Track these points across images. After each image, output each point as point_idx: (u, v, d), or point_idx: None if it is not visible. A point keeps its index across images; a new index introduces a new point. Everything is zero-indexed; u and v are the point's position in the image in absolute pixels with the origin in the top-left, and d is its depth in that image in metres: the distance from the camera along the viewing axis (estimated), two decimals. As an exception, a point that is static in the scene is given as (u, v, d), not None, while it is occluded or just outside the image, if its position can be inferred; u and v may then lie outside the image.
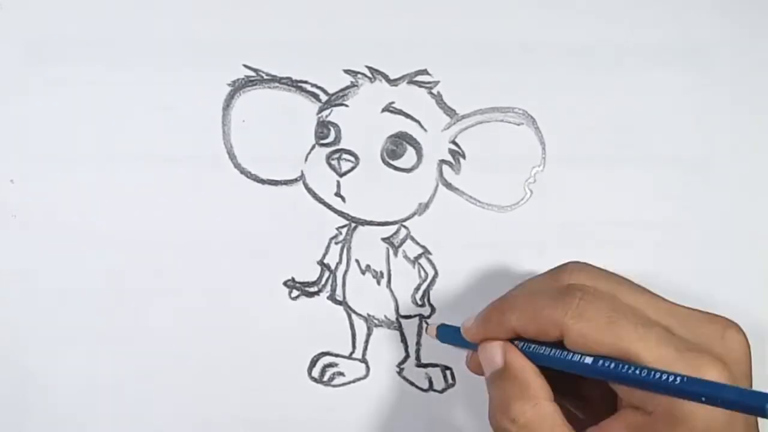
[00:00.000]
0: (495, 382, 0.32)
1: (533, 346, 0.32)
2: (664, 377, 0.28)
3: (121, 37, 0.39)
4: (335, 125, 0.39)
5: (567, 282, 0.32)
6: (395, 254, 0.39)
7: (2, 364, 0.39)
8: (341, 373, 0.39)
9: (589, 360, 0.30)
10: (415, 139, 0.39)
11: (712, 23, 0.39)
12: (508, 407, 0.31)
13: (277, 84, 0.39)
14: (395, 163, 0.39)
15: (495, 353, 0.33)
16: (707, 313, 0.31)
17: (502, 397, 0.32)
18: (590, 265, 0.33)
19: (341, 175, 0.39)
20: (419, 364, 0.40)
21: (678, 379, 0.27)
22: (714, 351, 0.30)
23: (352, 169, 0.39)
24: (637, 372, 0.28)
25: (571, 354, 0.30)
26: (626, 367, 0.29)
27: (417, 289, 0.39)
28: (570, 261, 0.33)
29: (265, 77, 0.39)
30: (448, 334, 0.36)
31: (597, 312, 0.30)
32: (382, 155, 0.39)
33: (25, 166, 0.39)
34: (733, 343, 0.31)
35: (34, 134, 0.39)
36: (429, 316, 0.39)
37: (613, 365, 0.29)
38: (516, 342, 0.32)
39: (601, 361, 0.29)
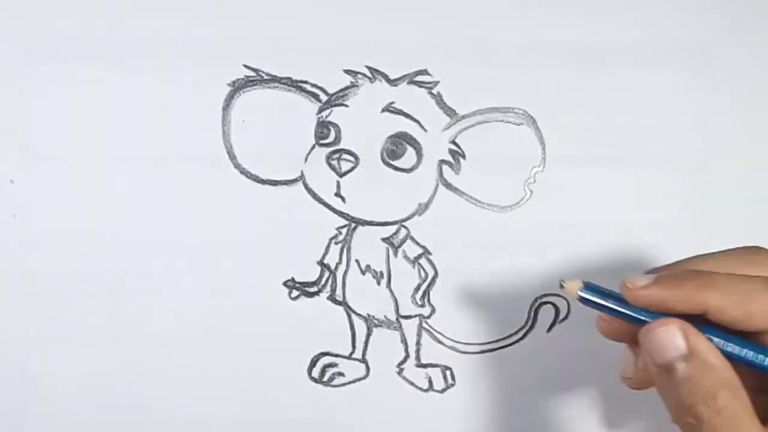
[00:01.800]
0: (681, 373, 0.27)
1: (721, 336, 0.28)
2: None
3: (121, 37, 0.39)
4: (335, 125, 0.39)
5: None
6: (395, 254, 0.39)
7: (2, 364, 0.39)
8: (341, 373, 0.39)
9: None
10: (415, 139, 0.39)
11: (712, 23, 0.39)
12: (707, 395, 0.26)
13: (277, 84, 0.39)
14: (395, 163, 0.39)
15: (677, 336, 0.27)
16: None
17: (688, 392, 0.27)
18: None
19: (341, 175, 0.39)
20: (419, 365, 0.40)
21: None
22: None
23: (352, 169, 0.39)
24: None
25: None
26: None
27: (417, 289, 0.39)
28: (762, 247, 0.30)
29: (265, 77, 0.39)
30: (599, 295, 0.30)
31: None
32: (382, 155, 0.39)
33: (25, 166, 0.39)
34: None
35: (34, 134, 0.39)
36: (429, 316, 0.39)
37: None
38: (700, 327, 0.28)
39: None
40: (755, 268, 0.29)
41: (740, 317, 0.27)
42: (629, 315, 0.29)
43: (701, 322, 0.28)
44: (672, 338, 0.28)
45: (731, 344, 0.28)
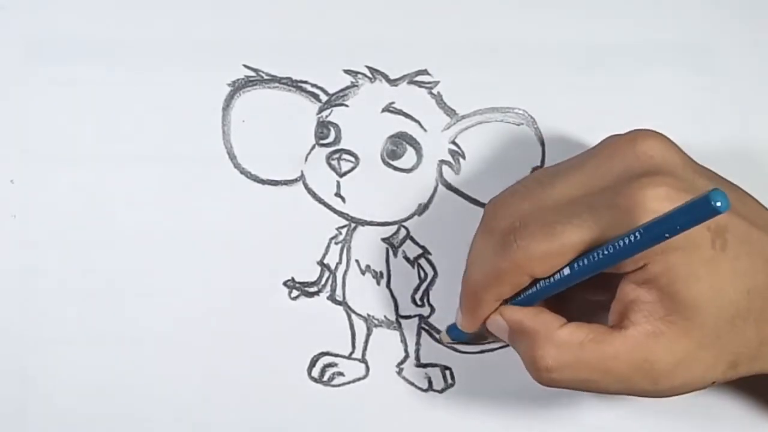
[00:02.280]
0: (513, 344, 0.33)
1: (518, 297, 0.32)
2: (626, 240, 0.27)
3: (121, 37, 0.39)
4: (335, 125, 0.39)
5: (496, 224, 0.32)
6: (395, 254, 0.39)
7: (2, 364, 0.39)
8: (341, 373, 0.39)
9: (567, 271, 0.30)
10: (415, 139, 0.39)
11: (712, 23, 0.39)
12: (535, 362, 0.31)
13: (277, 84, 0.39)
14: (395, 163, 0.39)
15: (497, 323, 0.33)
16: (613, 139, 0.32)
17: (524, 356, 0.32)
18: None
19: (341, 175, 0.39)
20: (419, 364, 0.40)
21: (633, 235, 0.27)
22: (634, 169, 0.30)
23: (352, 169, 0.39)
24: (606, 252, 0.28)
25: (546, 280, 0.31)
26: (596, 253, 0.29)
27: (417, 289, 0.39)
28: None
29: (265, 77, 0.39)
30: (457, 332, 0.37)
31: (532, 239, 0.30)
32: (382, 155, 0.39)
33: (25, 166, 0.39)
34: (645, 147, 0.31)
35: (34, 134, 0.39)
36: (429, 316, 0.39)
37: (585, 261, 0.29)
38: (509, 300, 0.33)
39: (575, 265, 0.30)
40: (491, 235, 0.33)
41: (506, 289, 0.32)
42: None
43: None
44: (498, 325, 0.33)
45: (532, 295, 0.32)
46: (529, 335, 0.31)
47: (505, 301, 0.33)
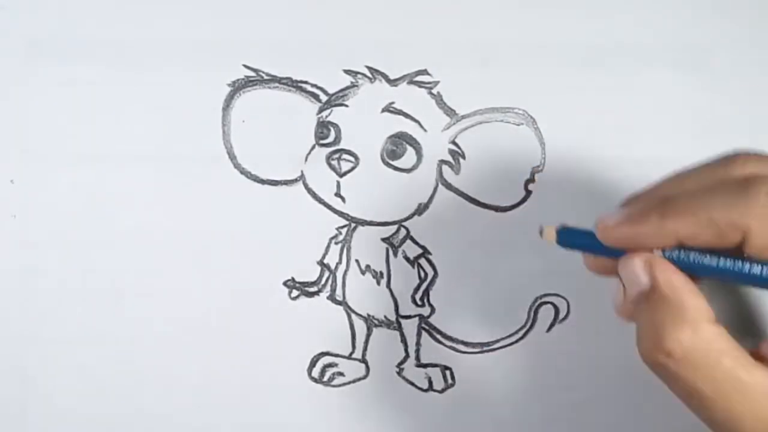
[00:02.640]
0: (641, 306, 0.27)
1: (694, 255, 0.27)
2: None
3: (120, 37, 0.39)
4: (335, 125, 0.39)
5: (741, 174, 0.27)
6: (395, 254, 0.39)
7: (2, 364, 0.39)
8: (341, 373, 0.39)
9: (743, 266, 0.26)
10: (415, 139, 0.39)
11: (711, 23, 0.39)
12: (661, 338, 0.26)
13: (277, 84, 0.39)
14: (395, 163, 0.39)
15: (638, 269, 0.27)
16: None
17: (651, 325, 0.26)
18: (764, 153, 0.27)
19: (341, 175, 0.39)
20: (419, 364, 0.40)
21: None
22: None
23: (352, 169, 0.39)
24: None
25: (750, 264, 0.26)
26: None
27: (417, 289, 0.39)
28: (738, 150, 0.28)
29: (265, 77, 0.39)
30: (575, 237, 0.30)
31: None
32: (382, 155, 0.39)
33: (25, 166, 0.39)
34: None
35: (34, 134, 0.39)
36: (429, 316, 0.39)
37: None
38: (672, 252, 0.27)
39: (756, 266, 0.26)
40: (727, 172, 0.27)
41: (709, 240, 0.26)
42: (607, 253, 0.29)
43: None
44: (637, 273, 0.27)
45: (708, 268, 0.27)
46: (673, 307, 0.26)
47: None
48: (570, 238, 0.30)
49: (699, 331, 0.26)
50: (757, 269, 0.26)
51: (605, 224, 0.28)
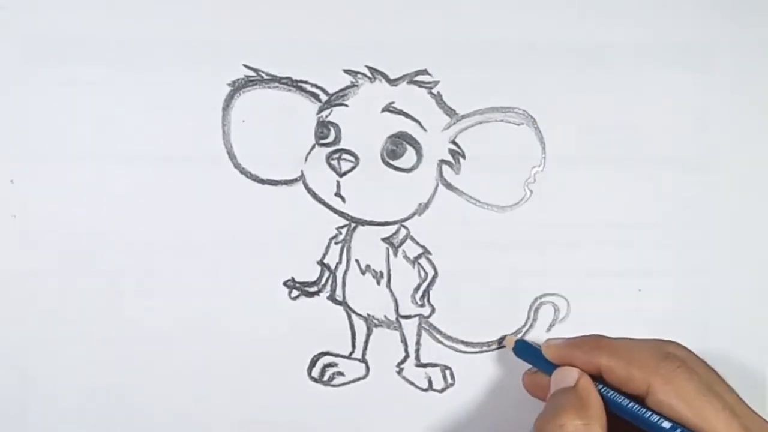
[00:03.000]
0: (557, 396, 0.34)
1: (611, 391, 0.33)
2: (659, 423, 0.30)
3: (120, 37, 0.39)
4: (335, 125, 0.39)
5: (667, 350, 0.33)
6: (395, 254, 0.39)
7: (2, 364, 0.39)
8: (341, 373, 0.39)
9: (667, 425, 0.31)
10: (415, 139, 0.39)
11: (712, 23, 0.39)
12: (561, 414, 0.32)
13: (277, 84, 0.39)
14: (395, 163, 0.39)
15: (570, 375, 0.34)
16: None
17: (559, 405, 0.33)
18: (692, 351, 0.34)
19: (341, 175, 0.39)
20: (419, 364, 0.40)
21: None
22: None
23: (352, 169, 0.39)
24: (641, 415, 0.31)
25: (650, 413, 0.31)
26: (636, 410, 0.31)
27: (417, 289, 0.39)
28: (673, 341, 0.34)
29: (265, 77, 0.39)
30: (526, 350, 0.38)
31: (689, 383, 0.31)
32: (382, 155, 0.39)
33: (25, 166, 0.39)
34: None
35: (34, 134, 0.39)
36: (429, 316, 0.39)
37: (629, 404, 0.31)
38: (598, 385, 0.34)
39: (679, 430, 0.30)
40: (657, 345, 0.34)
41: (621, 378, 0.33)
42: (546, 367, 0.36)
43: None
44: (567, 375, 0.34)
45: (621, 397, 0.33)
46: (580, 402, 0.32)
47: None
48: (524, 349, 0.38)
49: (590, 426, 0.31)
50: (654, 418, 0.31)
51: (549, 344, 0.36)
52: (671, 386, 0.31)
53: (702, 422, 0.30)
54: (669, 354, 0.33)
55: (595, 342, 0.35)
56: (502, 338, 0.39)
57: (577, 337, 0.36)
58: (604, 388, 0.33)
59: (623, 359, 0.33)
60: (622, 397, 0.33)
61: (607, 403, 0.33)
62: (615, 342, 0.34)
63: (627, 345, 0.34)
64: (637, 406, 0.32)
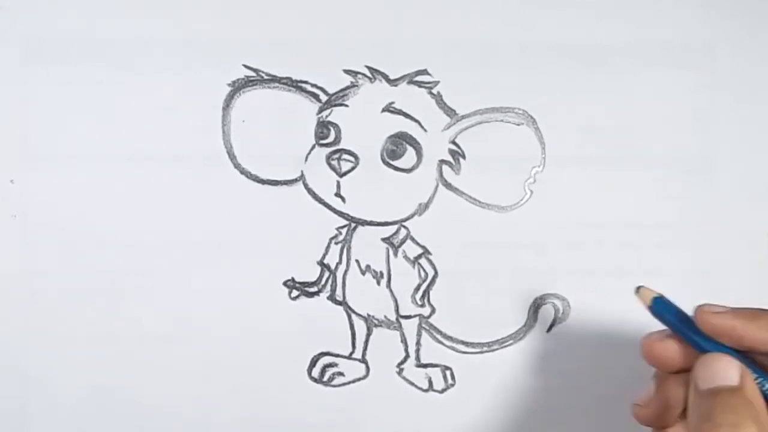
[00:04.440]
0: (722, 399, 0.29)
1: (761, 379, 0.30)
2: None
3: (121, 37, 0.39)
4: (335, 125, 0.39)
5: None
6: (395, 254, 0.39)
7: (2, 364, 0.39)
8: (341, 373, 0.39)
9: None
10: (415, 139, 0.39)
11: (712, 23, 0.39)
12: (739, 426, 0.27)
13: (277, 84, 0.39)
14: (395, 163, 0.39)
15: (732, 370, 0.29)
16: None
17: (731, 415, 0.28)
18: None
19: (341, 175, 0.39)
20: (419, 365, 0.40)
21: None
22: None
23: (352, 169, 0.39)
24: None
25: None
26: None
27: (417, 289, 0.39)
28: None
29: (265, 77, 0.39)
30: (667, 311, 0.32)
31: None
32: (382, 155, 0.39)
33: (25, 166, 0.39)
34: None
35: (34, 134, 0.39)
36: (429, 316, 0.39)
37: None
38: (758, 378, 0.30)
39: None
40: None
41: None
42: (691, 337, 0.31)
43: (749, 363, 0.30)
44: (728, 369, 0.29)
45: None
46: (753, 409, 0.28)
47: None
48: (663, 308, 0.32)
49: None
50: None
51: (710, 310, 0.30)
52: None
53: None
54: None
55: None
56: (639, 288, 0.32)
57: (748, 309, 0.30)
58: (759, 372, 0.30)
59: None
60: None
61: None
62: None
63: None
64: None
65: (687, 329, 0.31)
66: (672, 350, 0.31)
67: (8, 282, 0.39)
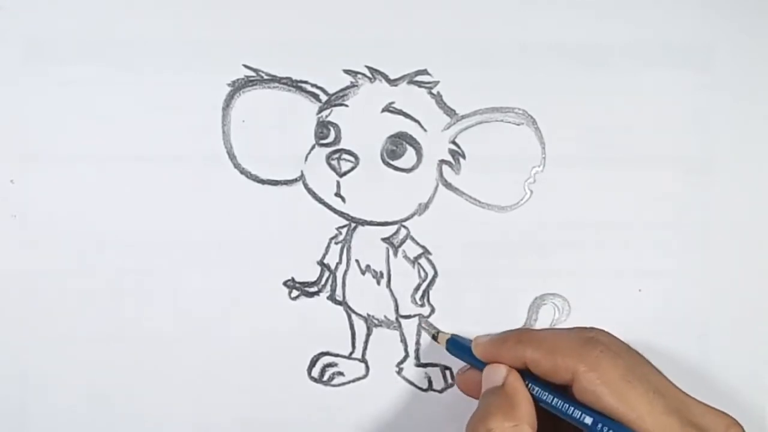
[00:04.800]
0: (487, 396, 0.34)
1: (537, 388, 0.33)
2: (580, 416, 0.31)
3: (120, 37, 0.39)
4: (335, 125, 0.39)
5: (588, 335, 0.33)
6: (395, 254, 0.39)
7: (2, 364, 0.39)
8: (341, 373, 0.39)
9: (588, 420, 0.31)
10: (415, 139, 0.39)
11: (712, 23, 0.39)
12: (489, 418, 0.32)
13: (277, 84, 0.39)
14: (395, 163, 0.39)
15: (498, 373, 0.34)
16: (715, 408, 0.32)
17: (488, 408, 0.33)
18: (615, 336, 0.34)
19: (341, 175, 0.39)
20: (419, 364, 0.40)
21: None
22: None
23: (352, 169, 0.39)
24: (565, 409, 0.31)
25: (572, 408, 0.32)
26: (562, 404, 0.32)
27: (417, 289, 0.39)
28: (596, 327, 0.34)
29: (265, 77, 0.39)
30: (458, 347, 0.38)
31: (613, 368, 0.31)
32: (382, 155, 0.39)
33: (25, 166, 0.39)
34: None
35: (34, 134, 0.39)
36: (429, 316, 0.39)
37: (611, 431, 0.30)
38: (526, 382, 0.34)
39: (600, 425, 0.30)
40: (578, 332, 0.34)
41: (546, 370, 0.33)
42: (477, 364, 0.36)
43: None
44: (497, 373, 0.34)
45: (546, 393, 0.33)
46: (508, 402, 0.33)
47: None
48: (455, 346, 0.38)
49: (519, 428, 0.32)
50: (576, 414, 0.31)
51: (477, 342, 0.36)
52: (595, 373, 0.31)
53: (626, 407, 0.30)
54: (591, 339, 0.33)
55: (518, 336, 0.35)
56: (436, 333, 0.39)
57: (503, 332, 0.36)
58: (531, 383, 0.33)
59: (547, 350, 0.33)
60: (546, 393, 0.33)
61: (534, 399, 0.33)
62: (538, 333, 0.35)
63: (550, 335, 0.34)
64: (560, 401, 0.32)
65: (475, 358, 0.36)
66: (475, 378, 0.36)
67: (8, 282, 0.39)
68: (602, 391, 0.31)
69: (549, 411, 0.33)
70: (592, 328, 0.34)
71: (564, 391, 0.33)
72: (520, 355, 0.34)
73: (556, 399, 0.32)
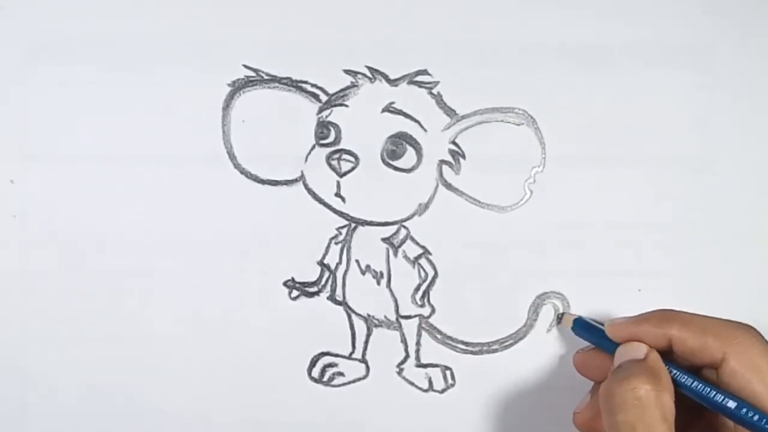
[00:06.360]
0: (627, 365, 0.33)
1: (677, 371, 0.33)
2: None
3: (121, 37, 0.39)
4: (335, 125, 0.39)
5: (741, 324, 0.33)
6: (395, 254, 0.39)
7: (2, 364, 0.39)
8: (341, 373, 0.39)
9: (732, 404, 0.31)
10: (415, 140, 0.39)
11: (711, 23, 0.39)
12: (632, 379, 0.31)
13: (277, 84, 0.39)
14: (395, 163, 0.39)
15: (639, 349, 0.34)
16: None
17: (629, 371, 0.32)
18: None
19: (341, 175, 0.39)
20: (419, 365, 0.40)
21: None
22: None
23: (352, 169, 0.39)
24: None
25: (714, 392, 0.31)
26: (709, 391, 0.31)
27: (417, 289, 0.39)
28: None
29: (265, 77, 0.39)
30: (585, 328, 0.37)
31: (763, 355, 0.31)
32: (382, 155, 0.39)
33: (25, 166, 0.39)
34: None
35: (34, 134, 0.39)
36: (429, 316, 0.39)
37: (756, 417, 0.30)
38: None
39: (745, 409, 0.30)
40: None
41: (698, 347, 0.32)
42: (608, 346, 0.35)
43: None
44: (637, 348, 0.34)
45: (686, 376, 0.33)
46: (651, 371, 0.32)
47: None
48: (582, 327, 0.38)
49: (661, 393, 0.31)
50: (719, 398, 0.31)
51: (614, 322, 0.35)
52: (747, 355, 0.31)
53: None
54: (742, 325, 0.33)
55: (664, 315, 0.34)
56: (561, 315, 0.39)
57: (643, 314, 0.35)
58: (670, 366, 0.33)
59: (697, 329, 0.32)
60: (686, 376, 0.32)
61: (674, 381, 0.33)
62: (685, 314, 0.34)
63: (699, 317, 0.34)
64: (702, 384, 0.32)
65: (604, 340, 0.35)
66: (596, 360, 0.36)
67: (8, 282, 0.39)
68: (752, 376, 0.31)
69: (686, 397, 0.32)
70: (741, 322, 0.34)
71: (701, 376, 0.33)
72: (666, 332, 0.33)
73: (696, 382, 0.32)
